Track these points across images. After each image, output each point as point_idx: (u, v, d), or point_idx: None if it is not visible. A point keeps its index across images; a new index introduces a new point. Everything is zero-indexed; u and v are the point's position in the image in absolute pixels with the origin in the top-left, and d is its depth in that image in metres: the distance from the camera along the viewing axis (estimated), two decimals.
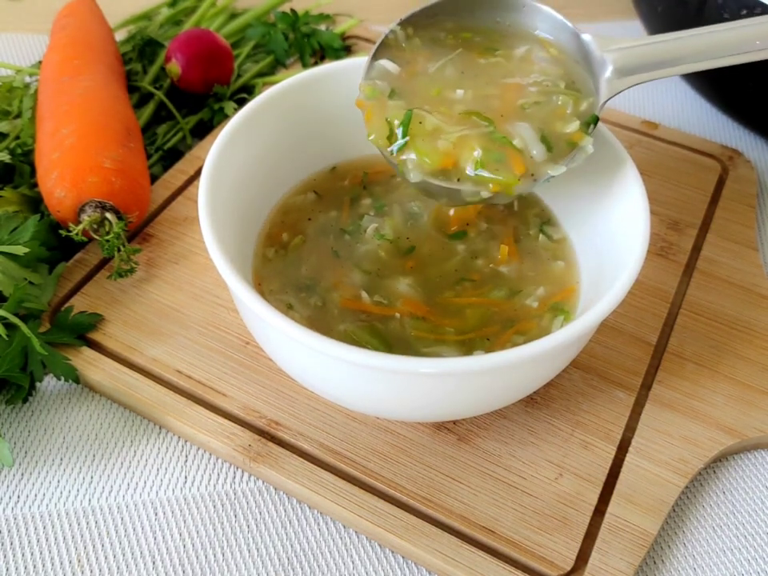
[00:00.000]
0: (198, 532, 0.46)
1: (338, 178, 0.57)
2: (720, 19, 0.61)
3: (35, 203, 0.60)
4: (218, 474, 0.49)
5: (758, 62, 0.61)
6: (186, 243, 0.59)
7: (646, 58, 0.48)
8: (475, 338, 0.47)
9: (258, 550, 0.46)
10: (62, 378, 0.51)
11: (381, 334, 0.47)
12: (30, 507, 0.47)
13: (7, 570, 0.44)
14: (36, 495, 0.48)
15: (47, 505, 0.47)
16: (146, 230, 0.60)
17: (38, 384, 0.52)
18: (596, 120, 0.47)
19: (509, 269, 0.51)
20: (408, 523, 0.45)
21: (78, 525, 0.46)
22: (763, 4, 0.58)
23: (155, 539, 0.46)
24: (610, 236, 0.49)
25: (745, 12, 0.59)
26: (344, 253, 0.52)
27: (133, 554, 0.45)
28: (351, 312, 0.48)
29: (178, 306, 0.55)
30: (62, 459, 0.49)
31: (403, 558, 0.46)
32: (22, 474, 0.48)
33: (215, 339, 0.53)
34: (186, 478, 0.49)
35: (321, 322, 0.47)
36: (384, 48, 0.49)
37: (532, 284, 0.50)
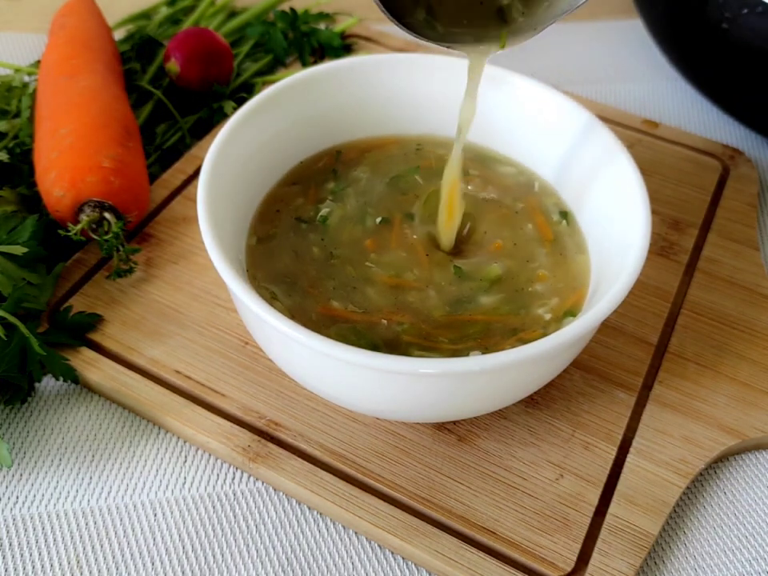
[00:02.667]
0: (197, 533, 0.46)
1: (314, 162, 0.55)
2: (721, 19, 0.61)
3: (34, 203, 0.59)
4: (217, 475, 0.49)
5: (759, 62, 0.61)
6: (185, 243, 0.59)
7: None
8: (472, 347, 0.45)
9: (257, 551, 0.46)
10: (61, 379, 0.51)
11: (367, 338, 0.45)
12: (28, 508, 0.47)
13: (6, 570, 0.44)
14: (35, 496, 0.47)
15: (46, 505, 0.47)
16: (145, 229, 0.60)
17: (36, 384, 0.52)
18: None
19: (544, 285, 0.49)
20: (408, 524, 0.45)
21: (77, 525, 0.46)
22: (764, 3, 0.58)
23: (154, 540, 0.46)
24: (610, 235, 0.48)
25: (746, 11, 0.59)
26: (306, 248, 0.50)
27: (132, 555, 0.45)
28: (331, 318, 0.46)
29: (177, 306, 0.55)
30: (60, 460, 0.49)
31: (403, 559, 0.45)
32: (21, 475, 0.48)
33: (214, 339, 0.53)
34: (184, 478, 0.48)
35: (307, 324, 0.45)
36: None
37: (552, 292, 0.48)
